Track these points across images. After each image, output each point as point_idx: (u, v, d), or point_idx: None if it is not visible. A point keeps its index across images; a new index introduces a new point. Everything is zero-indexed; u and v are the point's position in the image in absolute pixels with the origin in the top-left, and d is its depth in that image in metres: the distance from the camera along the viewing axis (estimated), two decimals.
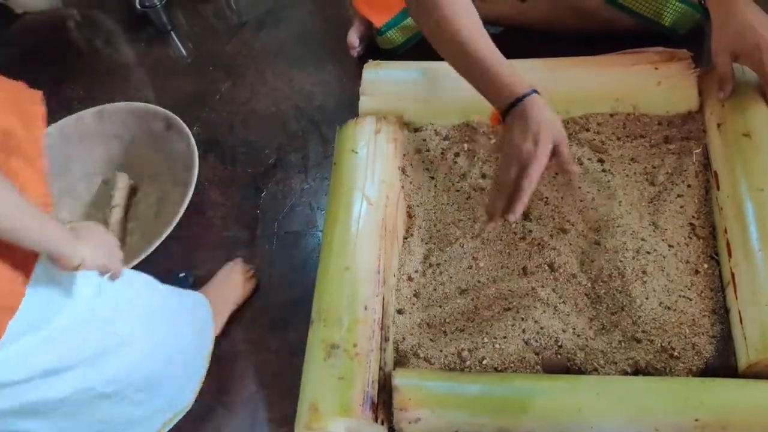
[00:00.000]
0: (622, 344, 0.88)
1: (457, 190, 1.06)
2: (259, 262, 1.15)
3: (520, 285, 0.94)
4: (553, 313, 0.91)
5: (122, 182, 1.26)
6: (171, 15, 1.60)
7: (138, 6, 1.57)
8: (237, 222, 1.21)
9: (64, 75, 1.57)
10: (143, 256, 1.09)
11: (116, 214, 1.21)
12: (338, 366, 0.87)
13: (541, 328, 0.90)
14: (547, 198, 1.02)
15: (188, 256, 1.18)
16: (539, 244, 0.98)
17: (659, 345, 0.87)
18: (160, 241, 1.10)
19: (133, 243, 1.20)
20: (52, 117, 1.44)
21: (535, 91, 0.89)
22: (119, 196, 1.24)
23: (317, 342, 0.90)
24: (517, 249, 0.98)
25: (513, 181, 0.86)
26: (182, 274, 1.15)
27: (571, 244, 0.97)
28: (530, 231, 0.99)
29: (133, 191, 1.27)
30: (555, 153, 0.87)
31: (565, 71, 1.11)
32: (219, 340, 1.06)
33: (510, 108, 0.88)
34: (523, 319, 0.90)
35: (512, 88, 0.89)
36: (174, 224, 1.12)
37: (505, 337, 0.89)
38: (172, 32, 1.60)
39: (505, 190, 0.87)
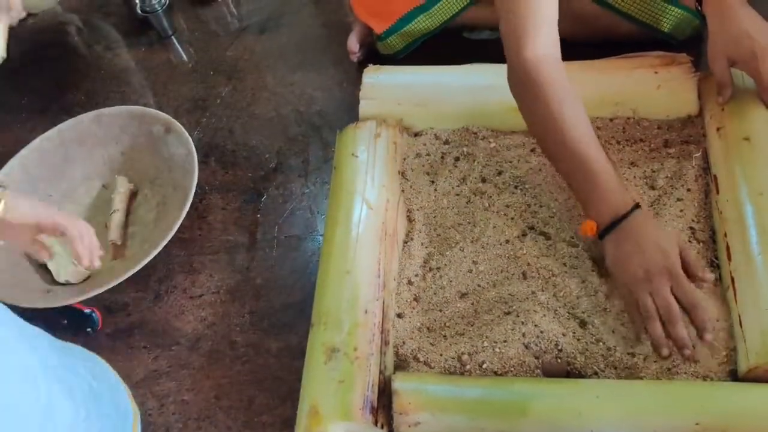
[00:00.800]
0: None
1: (457, 194, 1.06)
2: (259, 266, 1.15)
3: (520, 289, 0.94)
4: (554, 317, 0.91)
5: (122, 186, 1.26)
6: (172, 20, 1.60)
7: (139, 11, 1.58)
8: (237, 226, 1.21)
9: (65, 79, 1.58)
10: (145, 262, 1.09)
11: (116, 219, 1.21)
12: (338, 369, 0.87)
13: (541, 332, 0.90)
14: (549, 205, 1.02)
15: (189, 260, 1.18)
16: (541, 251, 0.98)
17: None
18: (161, 247, 1.10)
19: (134, 246, 1.20)
20: (53, 121, 1.45)
21: (638, 206, 0.86)
22: (119, 200, 1.24)
23: (317, 345, 0.90)
24: (519, 253, 0.98)
25: (670, 304, 0.81)
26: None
27: (579, 255, 0.97)
28: (533, 234, 0.99)
29: (133, 195, 1.28)
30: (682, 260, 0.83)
31: None
32: (218, 344, 1.06)
33: (614, 225, 0.86)
34: (523, 323, 0.90)
35: (616, 204, 0.86)
36: (175, 229, 1.12)
37: (505, 341, 0.89)
38: (173, 37, 1.60)
39: (670, 318, 0.81)
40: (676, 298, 0.82)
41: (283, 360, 1.03)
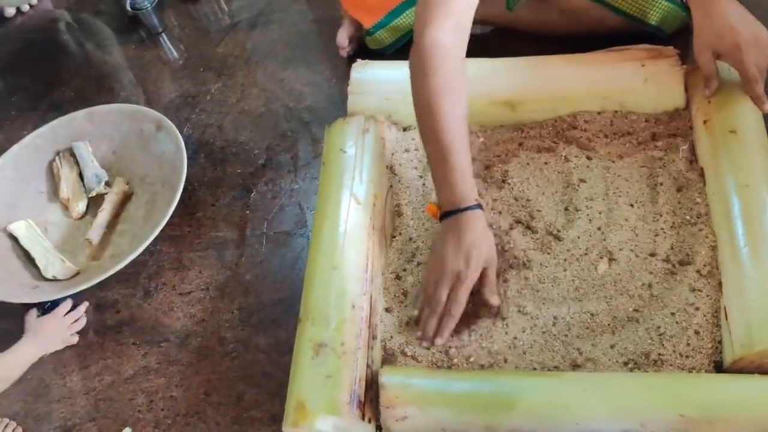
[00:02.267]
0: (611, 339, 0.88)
1: None
2: (248, 262, 1.15)
3: (507, 281, 0.95)
4: (539, 310, 0.91)
5: (117, 187, 1.26)
6: (162, 17, 1.60)
7: (129, 8, 1.58)
8: (226, 222, 1.21)
9: (56, 77, 1.58)
10: (132, 258, 1.10)
11: (100, 218, 1.21)
12: (326, 364, 0.87)
13: (531, 326, 0.90)
14: (537, 199, 1.02)
15: (179, 257, 1.18)
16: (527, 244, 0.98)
17: (647, 340, 0.87)
18: (148, 242, 1.10)
19: (123, 244, 1.20)
20: (43, 118, 1.45)
21: (480, 207, 0.92)
22: (109, 201, 1.24)
23: (305, 341, 0.90)
24: (507, 246, 0.98)
25: (440, 300, 0.89)
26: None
27: (566, 249, 0.97)
28: (520, 228, 1.00)
29: (127, 197, 1.27)
30: (482, 275, 0.90)
31: (552, 69, 1.12)
32: (207, 340, 1.06)
33: (451, 213, 0.91)
34: (508, 316, 0.90)
35: (462, 196, 0.91)
36: (162, 225, 1.12)
37: (491, 335, 0.89)
38: (163, 34, 1.60)
39: (434, 308, 0.90)
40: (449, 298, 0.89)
41: (271, 356, 1.03)
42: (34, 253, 1.16)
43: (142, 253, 1.13)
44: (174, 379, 1.04)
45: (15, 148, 1.30)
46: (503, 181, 1.05)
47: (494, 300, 0.91)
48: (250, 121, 1.36)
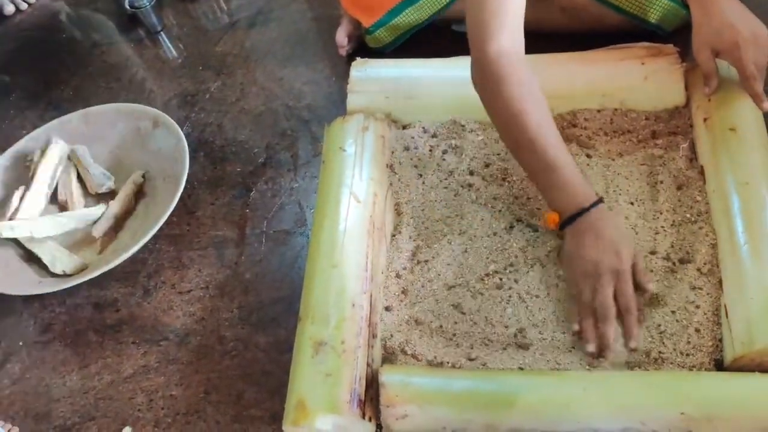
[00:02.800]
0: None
1: (445, 187, 1.06)
2: (248, 260, 1.15)
3: (508, 281, 0.94)
4: (540, 308, 0.91)
5: (128, 187, 1.26)
6: (161, 16, 1.60)
7: (127, 7, 1.58)
8: (226, 221, 1.21)
9: (54, 75, 1.57)
10: (131, 253, 1.10)
11: (110, 211, 1.21)
12: (326, 363, 0.87)
13: (532, 324, 0.90)
14: (537, 197, 1.02)
15: (178, 255, 1.18)
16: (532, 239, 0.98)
17: (648, 338, 0.87)
18: (147, 239, 1.10)
19: (126, 239, 1.20)
20: (42, 116, 1.45)
21: (601, 201, 0.88)
22: (123, 192, 1.24)
23: (305, 339, 0.90)
24: (507, 245, 0.98)
25: (609, 304, 0.84)
26: None
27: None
28: (520, 227, 1.00)
29: (139, 190, 1.27)
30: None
31: (551, 67, 1.12)
32: (207, 339, 1.06)
33: (577, 215, 0.88)
34: (511, 315, 0.90)
35: (579, 196, 0.88)
36: (161, 223, 1.12)
37: (493, 333, 0.89)
38: (162, 33, 1.60)
39: (605, 314, 0.85)
40: (615, 299, 0.85)
41: (271, 354, 1.03)
42: (38, 251, 1.16)
43: (142, 252, 1.13)
44: (174, 377, 1.04)
45: (10, 151, 1.30)
46: (503, 179, 1.05)
47: (651, 286, 0.87)
48: (249, 119, 1.36)
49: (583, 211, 0.88)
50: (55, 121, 1.34)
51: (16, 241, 1.19)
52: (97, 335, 1.11)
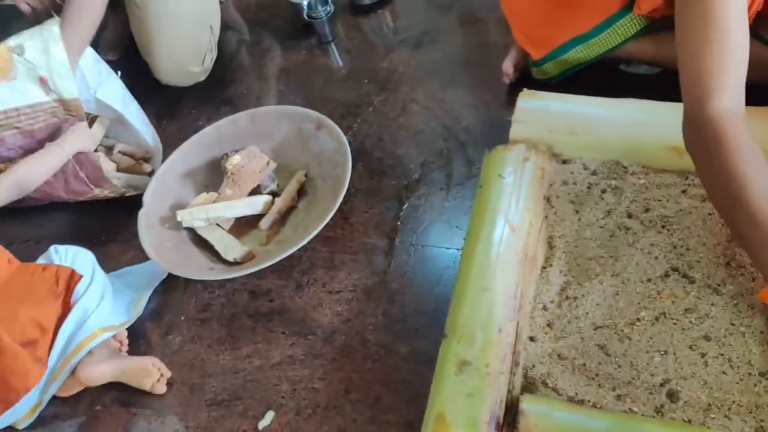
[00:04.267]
0: None
1: (601, 227, 1.07)
2: (396, 270, 1.20)
3: (658, 330, 0.94)
4: (690, 362, 0.90)
5: (296, 178, 1.35)
6: (333, 27, 1.69)
7: (305, 17, 1.68)
8: (378, 230, 1.27)
9: (230, 75, 1.71)
10: (291, 251, 1.18)
11: (276, 206, 1.30)
12: (468, 382, 0.90)
13: (681, 378, 0.89)
14: (697, 249, 1.01)
15: (331, 257, 1.25)
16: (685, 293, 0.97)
17: None
18: (310, 238, 1.18)
19: (288, 233, 1.29)
20: (216, 111, 1.57)
21: None
22: (287, 191, 1.33)
23: (450, 357, 0.94)
24: (662, 293, 0.97)
25: None
26: None
27: (725, 303, 0.95)
28: (677, 276, 0.99)
29: (301, 188, 1.36)
30: None
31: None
32: (351, 340, 1.12)
33: None
34: (659, 364, 0.90)
35: None
36: (324, 224, 1.19)
37: (639, 379, 0.89)
38: (332, 43, 1.69)
39: None
40: None
41: (411, 364, 1.07)
42: (211, 240, 1.26)
43: (298, 249, 1.21)
44: (317, 371, 1.10)
45: (185, 146, 1.43)
46: (663, 227, 1.04)
47: None
48: (408, 136, 1.42)
49: None
50: (225, 120, 1.45)
51: (189, 228, 1.31)
52: (250, 320, 1.20)
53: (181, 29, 1.56)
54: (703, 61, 0.87)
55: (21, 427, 1.14)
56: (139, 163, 1.48)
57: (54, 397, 1.15)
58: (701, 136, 0.88)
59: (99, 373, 1.13)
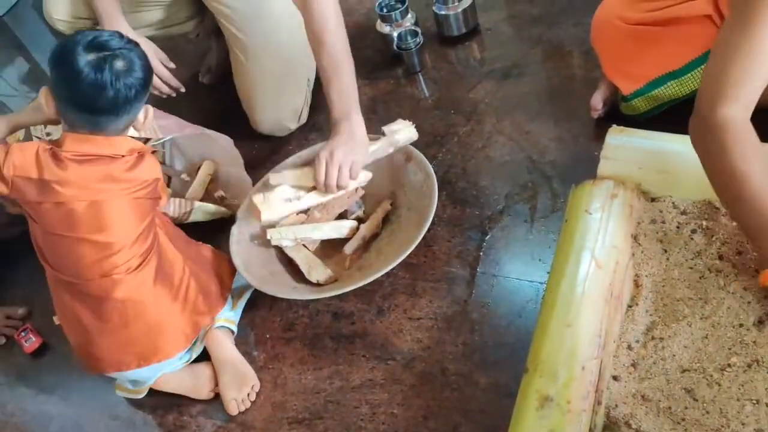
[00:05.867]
0: None
1: (690, 268, 1.05)
2: (476, 301, 1.21)
3: (750, 377, 0.91)
4: None
5: (382, 207, 1.39)
6: (422, 57, 1.73)
7: (395, 47, 1.72)
8: (460, 259, 1.29)
9: (321, 102, 1.75)
10: (376, 276, 1.20)
11: (361, 233, 1.34)
12: (549, 418, 0.90)
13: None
14: None
15: (413, 283, 1.27)
16: None
17: None
18: (394, 265, 1.20)
19: (371, 258, 1.32)
20: (305, 137, 1.63)
21: None
22: (373, 218, 1.37)
23: (531, 391, 0.94)
24: (756, 340, 0.95)
25: None
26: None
27: None
28: None
29: (386, 216, 1.40)
30: None
31: None
32: (431, 367, 1.14)
33: None
34: (749, 414, 0.87)
35: None
36: (407, 252, 1.21)
37: (728, 427, 0.87)
38: (420, 73, 1.73)
39: None
40: None
41: (490, 395, 1.08)
42: (297, 259, 1.31)
43: (381, 275, 1.23)
44: (396, 397, 1.12)
45: (280, 166, 1.48)
46: (756, 271, 1.01)
47: None
48: (492, 167, 1.43)
49: None
50: (319, 144, 1.49)
51: (277, 247, 1.36)
52: (332, 342, 1.23)
53: (283, 92, 1.64)
54: (727, 66, 0.92)
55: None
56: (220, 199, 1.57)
57: (142, 404, 1.22)
58: (706, 136, 0.96)
59: (221, 348, 1.26)
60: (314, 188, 1.31)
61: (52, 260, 1.17)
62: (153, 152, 1.23)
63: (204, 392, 1.24)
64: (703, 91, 0.98)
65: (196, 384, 1.24)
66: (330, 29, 1.32)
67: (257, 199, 1.30)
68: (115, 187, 1.14)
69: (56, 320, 1.34)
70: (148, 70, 1.13)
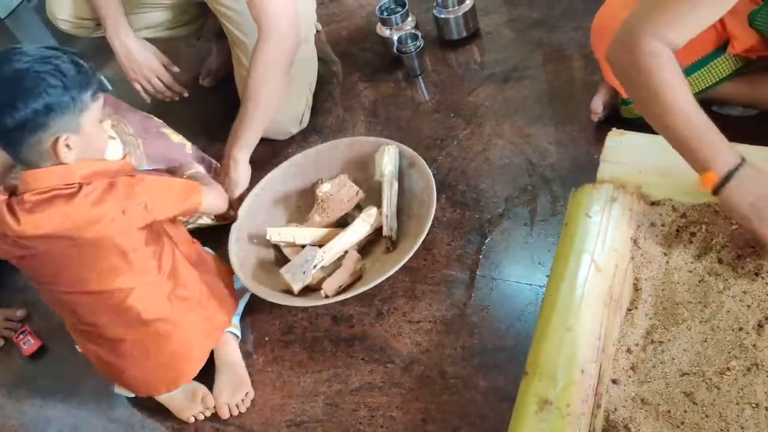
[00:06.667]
0: None
1: (690, 271, 1.05)
2: (476, 304, 1.21)
3: (749, 381, 0.91)
4: None
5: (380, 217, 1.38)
6: (422, 61, 1.73)
7: (395, 51, 1.72)
8: (459, 263, 1.29)
9: (321, 104, 1.76)
10: (377, 282, 1.20)
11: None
12: (549, 422, 0.90)
13: None
14: None
15: (412, 287, 1.27)
16: None
17: None
18: (393, 271, 1.20)
19: (368, 263, 1.31)
20: (306, 139, 1.63)
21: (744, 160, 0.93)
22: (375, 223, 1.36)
23: (530, 395, 0.94)
24: (755, 343, 0.95)
25: None
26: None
27: None
28: None
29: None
30: None
31: None
32: (430, 371, 1.13)
33: (735, 169, 0.93)
34: (749, 417, 0.87)
35: (731, 155, 0.93)
36: (406, 259, 1.21)
37: (728, 431, 0.87)
38: (420, 77, 1.73)
39: None
40: None
41: (489, 399, 1.08)
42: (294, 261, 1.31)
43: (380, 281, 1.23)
44: (395, 400, 1.12)
45: (284, 165, 1.48)
46: (756, 274, 1.01)
47: None
48: (492, 170, 1.43)
49: (742, 162, 0.92)
50: (325, 144, 1.50)
51: (276, 247, 1.35)
52: (331, 345, 1.23)
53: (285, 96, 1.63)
54: (669, 4, 0.94)
55: None
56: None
57: (141, 407, 1.21)
58: (627, 61, 0.98)
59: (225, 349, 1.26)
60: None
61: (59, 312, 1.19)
62: (124, 157, 1.21)
63: (186, 415, 1.21)
64: (637, 15, 0.97)
65: (182, 407, 1.22)
66: (260, 66, 1.40)
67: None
68: (80, 235, 1.00)
69: (79, 349, 1.27)
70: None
